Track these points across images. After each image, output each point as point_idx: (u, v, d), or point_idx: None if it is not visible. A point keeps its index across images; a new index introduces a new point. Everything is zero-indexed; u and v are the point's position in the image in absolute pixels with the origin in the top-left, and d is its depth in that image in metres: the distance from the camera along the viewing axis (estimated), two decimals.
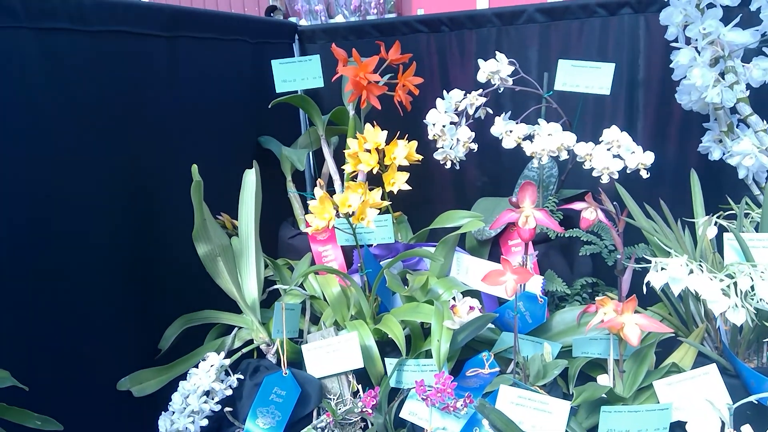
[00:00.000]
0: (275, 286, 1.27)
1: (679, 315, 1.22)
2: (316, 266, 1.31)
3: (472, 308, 1.11)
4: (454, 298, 1.13)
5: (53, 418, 0.86)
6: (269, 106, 1.45)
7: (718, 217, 1.20)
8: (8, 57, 0.96)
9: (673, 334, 1.15)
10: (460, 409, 0.99)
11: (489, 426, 0.99)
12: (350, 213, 1.10)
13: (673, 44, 1.27)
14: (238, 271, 1.21)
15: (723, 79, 1.23)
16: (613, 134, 1.25)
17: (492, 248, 1.40)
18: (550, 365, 1.10)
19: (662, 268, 0.99)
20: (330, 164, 1.56)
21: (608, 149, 1.25)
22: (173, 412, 1.02)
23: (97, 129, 1.12)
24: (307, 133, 1.63)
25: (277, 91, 1.45)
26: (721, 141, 1.32)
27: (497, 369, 1.13)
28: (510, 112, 1.37)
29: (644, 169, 1.25)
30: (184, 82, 1.38)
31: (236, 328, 1.23)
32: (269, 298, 1.30)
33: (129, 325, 1.21)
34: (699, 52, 1.25)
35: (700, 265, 0.98)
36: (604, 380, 1.12)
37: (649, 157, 1.24)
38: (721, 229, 1.19)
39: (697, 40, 1.24)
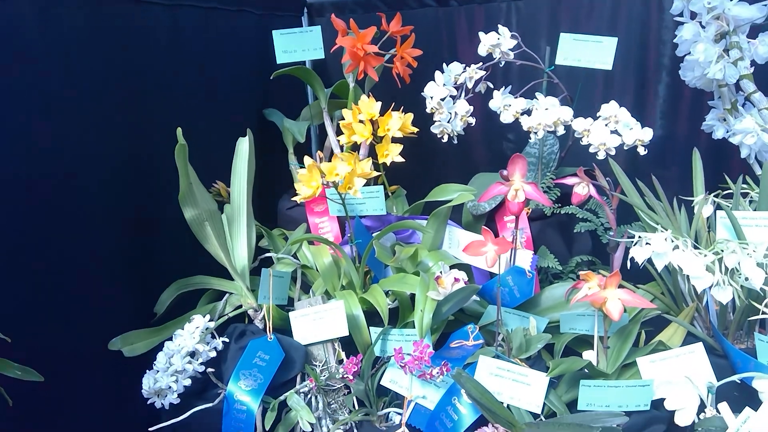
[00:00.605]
0: (267, 254, 1.29)
1: (671, 294, 1.20)
2: (306, 235, 1.32)
3: (457, 280, 1.11)
4: (441, 271, 1.13)
5: (45, 375, 0.89)
6: (271, 77, 1.46)
7: (716, 196, 1.17)
8: (7, 22, 0.98)
9: (662, 313, 1.13)
10: (436, 377, 1.00)
11: (465, 395, 0.99)
12: (337, 182, 1.10)
13: (678, 18, 1.24)
14: (229, 237, 1.23)
15: (727, 55, 1.20)
16: (611, 109, 1.22)
17: (488, 224, 1.39)
18: (534, 339, 1.09)
19: (647, 243, 0.98)
20: (332, 138, 1.56)
21: (606, 125, 1.23)
22: (157, 371, 1.04)
23: (95, 95, 1.14)
24: (309, 107, 1.63)
25: (278, 62, 1.45)
26: (725, 119, 1.29)
27: (481, 341, 1.13)
28: (510, 86, 1.36)
29: (642, 145, 1.23)
30: (185, 52, 1.39)
31: (227, 294, 1.25)
32: (263, 266, 1.31)
33: (125, 287, 1.24)
34: (703, 27, 1.22)
35: (686, 240, 0.96)
36: (589, 356, 1.11)
37: (647, 134, 1.22)
38: (720, 209, 1.16)
39: (701, 14, 1.21)
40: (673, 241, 0.97)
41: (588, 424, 0.93)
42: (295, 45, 1.44)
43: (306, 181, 1.11)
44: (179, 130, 1.01)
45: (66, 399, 1.12)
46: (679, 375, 0.97)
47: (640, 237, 0.98)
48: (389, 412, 1.12)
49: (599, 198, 1.15)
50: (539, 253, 1.32)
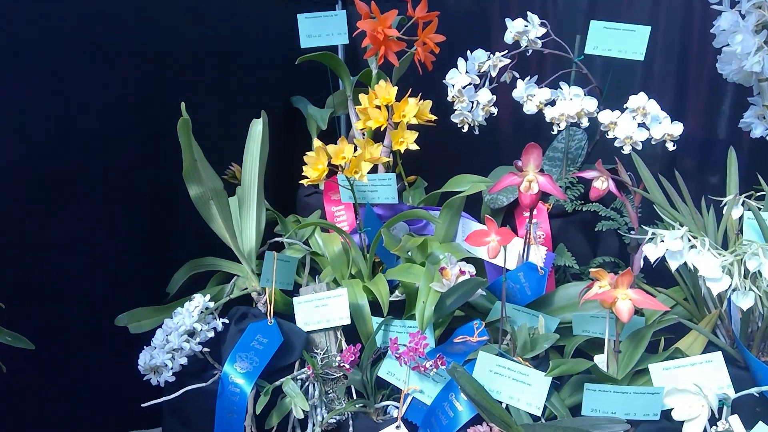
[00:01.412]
0: (277, 239, 1.27)
1: (695, 300, 1.13)
2: (315, 220, 1.30)
3: (463, 272, 1.07)
4: (446, 262, 1.09)
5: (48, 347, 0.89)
6: (296, 63, 1.44)
7: (748, 197, 1.09)
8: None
9: (681, 319, 1.06)
10: (430, 370, 0.96)
11: (461, 390, 0.95)
12: (343, 165, 1.08)
13: (715, 6, 1.16)
14: (239, 219, 1.22)
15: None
16: (639, 101, 1.16)
17: (506, 219, 1.34)
18: (540, 338, 1.04)
19: (661, 241, 0.92)
20: (355, 126, 1.54)
21: (633, 117, 1.17)
22: (154, 348, 1.04)
23: (119, 77, 1.15)
24: (332, 95, 1.60)
25: (302, 47, 1.43)
26: (765, 117, 1.20)
27: (486, 338, 1.08)
28: (536, 76, 1.30)
29: (671, 141, 1.16)
30: (211, 36, 1.39)
31: (235, 277, 1.24)
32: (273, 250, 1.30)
33: (140, 265, 1.25)
34: (743, 17, 1.14)
35: (704, 240, 0.90)
36: (600, 360, 1.05)
37: (676, 128, 1.15)
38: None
39: (741, 2, 1.13)
40: (689, 240, 0.90)
41: (586, 429, 0.88)
42: (320, 29, 1.43)
43: (313, 163, 1.09)
44: (183, 105, 1.00)
45: (75, 375, 1.13)
46: (690, 384, 0.90)
47: (654, 234, 0.92)
48: (388, 406, 1.09)
49: (619, 194, 1.09)
50: (557, 250, 1.26)
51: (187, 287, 1.30)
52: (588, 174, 1.12)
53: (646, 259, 1.02)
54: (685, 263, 1.10)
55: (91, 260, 1.15)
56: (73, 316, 1.13)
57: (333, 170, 1.14)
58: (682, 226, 0.91)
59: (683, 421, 0.91)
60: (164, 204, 1.28)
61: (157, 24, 1.24)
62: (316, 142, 1.11)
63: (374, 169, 1.44)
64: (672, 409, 0.93)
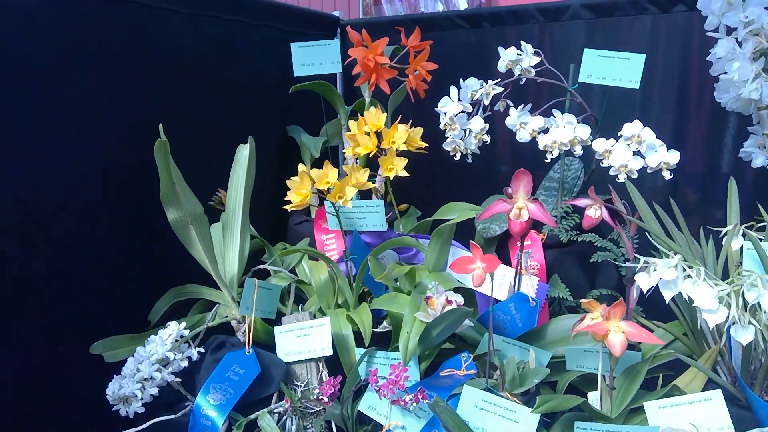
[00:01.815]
0: (261, 266, 1.24)
1: (694, 335, 1.07)
2: (298, 247, 1.26)
3: (449, 302, 1.03)
4: (433, 291, 1.05)
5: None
6: (290, 92, 1.43)
7: (749, 228, 1.05)
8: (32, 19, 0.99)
9: (679, 355, 1.01)
10: (410, 404, 0.91)
11: (443, 426, 0.90)
12: (327, 190, 1.05)
13: (711, 34, 1.14)
14: (222, 245, 1.19)
15: (766, 74, 1.09)
16: (634, 129, 1.13)
17: (500, 249, 1.30)
18: (530, 372, 0.99)
19: (654, 270, 0.87)
20: (344, 153, 1.52)
21: (628, 145, 1.13)
22: (124, 377, 1.00)
23: (108, 101, 1.14)
24: (326, 125, 1.59)
25: (295, 75, 1.42)
26: (765, 146, 1.16)
27: (474, 371, 1.03)
28: (530, 105, 1.28)
29: (668, 169, 1.12)
30: (205, 62, 1.38)
31: (217, 305, 1.20)
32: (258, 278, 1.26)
33: (122, 293, 1.21)
34: (740, 44, 1.11)
35: (699, 269, 0.85)
36: (594, 397, 1.00)
37: (673, 157, 1.11)
38: None
39: (738, 29, 1.11)
40: (684, 270, 0.85)
41: None
42: (313, 58, 1.42)
43: (296, 188, 1.06)
44: (161, 126, 0.98)
45: (50, 404, 1.09)
46: (687, 424, 0.84)
47: (646, 263, 0.88)
48: None
49: (612, 222, 1.05)
50: (551, 282, 1.22)
51: (170, 315, 1.25)
52: (581, 202, 1.08)
53: (644, 292, 0.98)
54: (682, 296, 1.06)
55: (69, 288, 1.12)
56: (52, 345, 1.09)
57: (324, 198, 1.11)
58: (676, 254, 0.87)
59: None
60: (149, 232, 1.25)
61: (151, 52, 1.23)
62: (301, 167, 1.09)
63: (367, 197, 1.41)
64: None
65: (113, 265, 1.19)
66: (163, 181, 1.00)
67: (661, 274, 0.85)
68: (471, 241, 0.95)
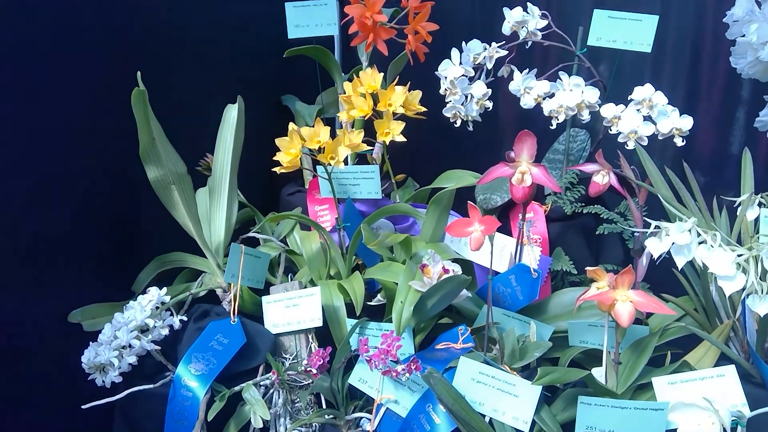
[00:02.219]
0: (249, 234, 1.18)
1: (705, 312, 1.01)
2: (287, 213, 1.20)
3: (446, 271, 0.97)
4: (428, 259, 0.99)
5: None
6: (284, 56, 1.37)
7: (766, 197, 0.99)
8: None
9: (690, 329, 0.95)
10: (402, 375, 0.85)
11: (437, 399, 0.84)
12: (319, 150, 0.99)
13: None
14: (209, 210, 1.13)
15: None
16: (645, 92, 1.06)
17: (500, 221, 1.23)
18: (531, 346, 0.93)
19: (666, 235, 0.81)
20: (338, 117, 1.45)
21: (638, 110, 1.07)
22: (101, 344, 0.94)
23: (92, 72, 1.07)
24: (323, 93, 1.52)
25: (289, 37, 1.36)
26: None
27: (471, 345, 0.97)
28: (536, 69, 1.21)
29: (680, 136, 1.06)
30: (194, 20, 1.32)
31: (203, 273, 1.15)
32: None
33: (105, 263, 1.15)
34: (759, 5, 1.05)
35: (715, 234, 0.79)
36: (598, 373, 0.94)
37: (686, 122, 1.05)
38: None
39: None
40: (699, 234, 0.79)
41: None
42: (308, 19, 1.35)
43: (286, 147, 1.00)
44: (138, 74, 0.91)
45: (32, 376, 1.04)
46: (699, 398, 0.79)
47: (657, 227, 0.82)
48: (360, 418, 0.98)
49: (621, 189, 0.99)
50: (554, 255, 1.16)
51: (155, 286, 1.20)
52: (588, 168, 1.02)
53: (651, 265, 0.92)
54: (694, 268, 1.00)
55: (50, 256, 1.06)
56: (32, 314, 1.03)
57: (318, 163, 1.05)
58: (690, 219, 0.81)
59: None
60: (135, 200, 1.19)
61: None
62: (291, 126, 1.03)
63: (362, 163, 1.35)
64: (678, 428, 0.82)
65: (93, 230, 1.13)
66: (142, 136, 0.94)
67: (674, 238, 0.78)
68: (468, 201, 0.89)
